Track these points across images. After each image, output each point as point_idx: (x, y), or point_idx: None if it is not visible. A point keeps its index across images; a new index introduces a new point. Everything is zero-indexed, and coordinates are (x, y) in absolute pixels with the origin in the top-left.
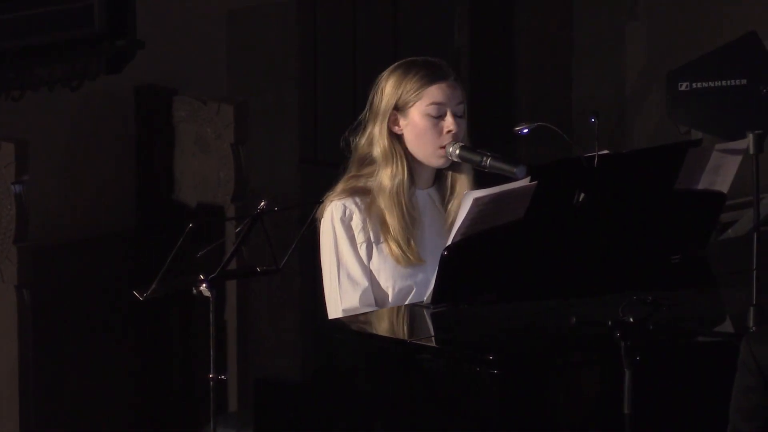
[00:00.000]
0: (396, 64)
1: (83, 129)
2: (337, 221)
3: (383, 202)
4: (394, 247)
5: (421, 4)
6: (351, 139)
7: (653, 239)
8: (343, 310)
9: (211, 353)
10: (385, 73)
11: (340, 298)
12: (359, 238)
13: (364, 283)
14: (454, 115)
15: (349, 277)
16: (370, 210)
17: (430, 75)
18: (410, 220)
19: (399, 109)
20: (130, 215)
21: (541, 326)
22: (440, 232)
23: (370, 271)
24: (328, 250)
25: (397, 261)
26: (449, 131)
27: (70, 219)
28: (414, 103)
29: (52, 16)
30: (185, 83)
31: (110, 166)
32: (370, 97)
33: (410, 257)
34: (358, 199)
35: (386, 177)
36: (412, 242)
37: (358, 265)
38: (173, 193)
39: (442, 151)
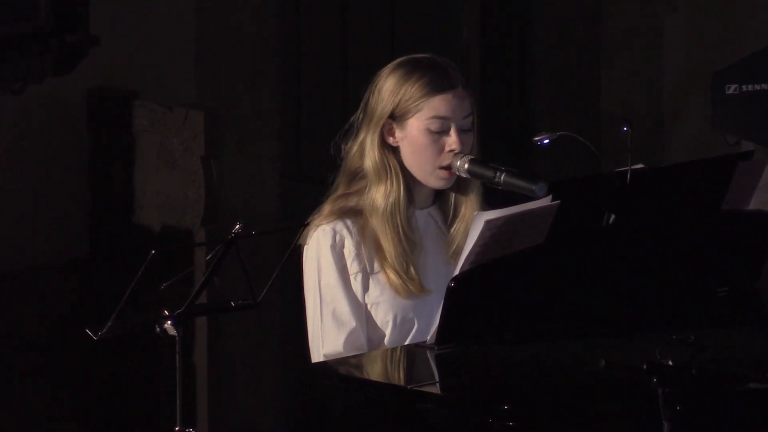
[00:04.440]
0: (398, 61)
1: (27, 139)
2: (325, 249)
3: (377, 224)
4: (392, 275)
5: None
6: (342, 145)
7: (696, 269)
8: (324, 355)
9: (178, 402)
10: (385, 72)
11: (322, 340)
12: (353, 267)
13: (352, 323)
14: (460, 131)
15: (334, 316)
16: (364, 233)
17: (435, 82)
18: (409, 245)
19: (395, 118)
20: (82, 241)
21: (564, 370)
22: (444, 258)
23: (366, 306)
24: (312, 284)
25: (397, 291)
26: (451, 150)
27: (13, 245)
28: (413, 114)
29: None
30: (147, 86)
31: (59, 182)
32: (365, 97)
33: (411, 287)
34: (349, 222)
35: (379, 195)
36: (412, 269)
37: (346, 301)
38: (133, 215)
39: (442, 172)
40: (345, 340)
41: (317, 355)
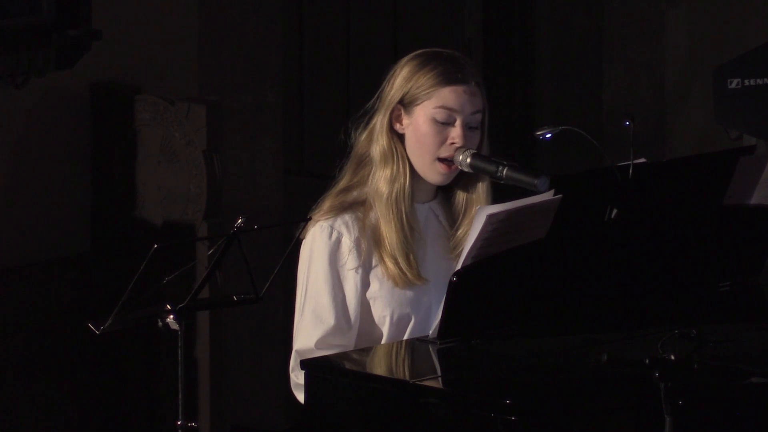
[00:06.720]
0: (417, 52)
1: (29, 133)
2: (319, 246)
3: (380, 210)
4: (390, 264)
5: None
6: (352, 131)
7: (698, 263)
8: (296, 350)
9: (180, 396)
10: (403, 61)
11: (298, 334)
12: (350, 263)
13: (330, 321)
14: (465, 126)
15: (314, 311)
16: (364, 227)
17: (447, 74)
18: (410, 233)
19: (405, 104)
20: (84, 235)
21: (567, 365)
22: (445, 253)
23: (367, 303)
24: (302, 279)
25: (395, 282)
26: (453, 143)
27: (14, 239)
28: (422, 102)
29: None
30: (149, 80)
31: (61, 177)
32: (382, 85)
33: (409, 276)
34: (348, 217)
35: (384, 180)
36: (411, 257)
37: (330, 298)
38: (135, 209)
39: (440, 166)
40: (319, 337)
41: (293, 349)
